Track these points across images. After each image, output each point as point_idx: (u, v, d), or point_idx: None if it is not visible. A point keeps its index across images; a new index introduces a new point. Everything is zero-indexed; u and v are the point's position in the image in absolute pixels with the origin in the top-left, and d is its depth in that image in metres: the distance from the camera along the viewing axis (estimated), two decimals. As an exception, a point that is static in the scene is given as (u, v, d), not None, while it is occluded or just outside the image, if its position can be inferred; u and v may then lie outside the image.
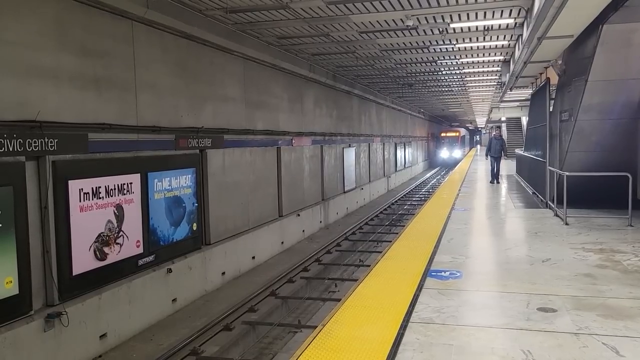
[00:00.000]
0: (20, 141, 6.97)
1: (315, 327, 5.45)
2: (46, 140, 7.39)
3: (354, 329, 5.05)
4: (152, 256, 9.86)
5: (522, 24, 12.66)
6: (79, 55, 8.24)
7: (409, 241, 9.28)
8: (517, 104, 30.02)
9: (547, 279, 6.58)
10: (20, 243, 7.02)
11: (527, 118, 23.68)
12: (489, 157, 19.59)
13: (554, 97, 13.82)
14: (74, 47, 8.15)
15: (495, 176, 19.52)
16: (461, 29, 13.25)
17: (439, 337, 4.77)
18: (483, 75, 22.65)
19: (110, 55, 8.96)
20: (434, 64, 19.14)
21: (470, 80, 24.33)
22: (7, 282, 6.82)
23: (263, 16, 11.47)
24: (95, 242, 8.40)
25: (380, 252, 8.91)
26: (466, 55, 17.59)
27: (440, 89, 28.27)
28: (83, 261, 8.14)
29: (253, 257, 14.08)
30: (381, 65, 19.13)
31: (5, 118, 6.90)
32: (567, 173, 10.48)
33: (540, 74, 16.55)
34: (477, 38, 14.52)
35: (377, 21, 12.35)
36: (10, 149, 6.82)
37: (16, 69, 7.13)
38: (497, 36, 14.38)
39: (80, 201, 8.08)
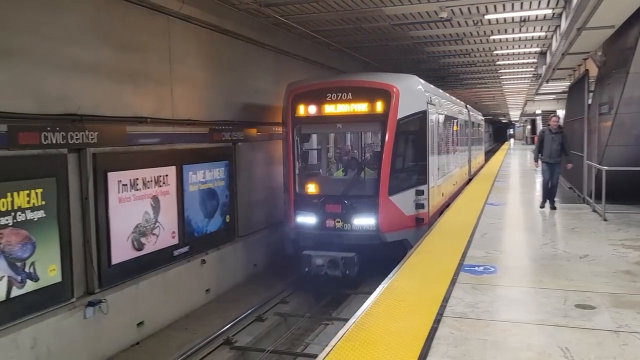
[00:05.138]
0: (62, 134, 7.19)
1: (347, 319, 5.49)
2: (87, 133, 7.60)
3: (387, 322, 5.07)
4: (187, 247, 10.05)
5: (560, 15, 12.37)
6: (117, 50, 8.43)
7: (441, 235, 9.23)
8: (553, 96, 29.31)
9: (585, 276, 6.46)
10: (63, 233, 7.26)
11: (564, 111, 23.11)
12: (539, 162, 11.60)
13: (592, 89, 13.46)
14: (113, 42, 8.33)
15: (549, 195, 11.69)
16: (496, 20, 13.04)
17: (474, 332, 4.75)
18: (518, 68, 22.22)
19: (146, 50, 9.13)
20: (467, 56, 18.86)
21: (505, 72, 23.90)
22: (50, 270, 7.08)
23: (296, 9, 11.50)
24: (133, 232, 8.61)
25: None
26: (501, 47, 17.29)
27: (473, 82, 27.83)
28: (121, 251, 8.37)
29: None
30: (413, 57, 18.94)
31: (49, 112, 7.13)
32: (606, 167, 10.22)
33: (579, 65, 16.14)
34: (513, 29, 14.26)
35: (411, 13, 12.26)
36: (54, 142, 7.04)
37: (58, 64, 7.34)
38: (534, 27, 14.08)
39: (118, 192, 8.29)
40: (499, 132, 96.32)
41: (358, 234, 10.05)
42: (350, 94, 10.22)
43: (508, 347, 4.41)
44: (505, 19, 13.02)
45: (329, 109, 10.37)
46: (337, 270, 9.90)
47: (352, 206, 10.04)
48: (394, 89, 10.13)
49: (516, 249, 8.18)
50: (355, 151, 13.52)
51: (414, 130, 10.71)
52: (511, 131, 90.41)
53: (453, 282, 6.28)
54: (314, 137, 12.89)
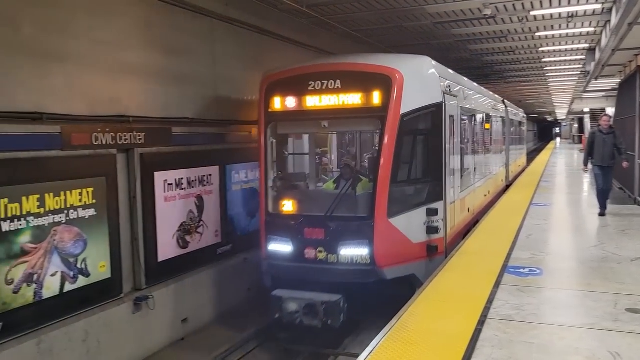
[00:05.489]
0: (112, 135, 7.45)
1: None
2: (135, 134, 7.85)
3: (430, 323, 5.04)
4: (230, 245, 10.21)
5: (610, 10, 11.96)
6: (164, 53, 8.65)
7: (484, 236, 9.07)
8: (602, 94, 28.28)
9: (637, 279, 6.24)
10: (112, 230, 7.52)
11: (614, 109, 22.30)
12: (590, 166, 10.78)
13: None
14: (159, 45, 8.57)
15: (604, 199, 10.73)
16: (543, 16, 12.73)
17: (519, 335, 4.66)
18: (565, 65, 21.60)
19: (191, 52, 9.34)
20: (512, 53, 18.48)
21: (551, 69, 23.28)
22: (101, 267, 7.34)
23: (337, 9, 11.54)
24: (178, 230, 8.83)
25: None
26: (547, 44, 16.86)
27: (517, 80, 27.21)
28: (167, 249, 8.59)
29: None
30: (455, 55, 18.67)
31: (99, 113, 7.40)
32: (659, 167, 9.81)
33: (630, 62, 15.52)
34: (560, 25, 13.89)
35: (453, 11, 12.12)
36: (104, 142, 7.31)
37: (108, 67, 7.60)
38: (582, 23, 13.67)
39: (164, 192, 8.51)
40: (544, 131, 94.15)
41: (346, 269, 7.57)
42: (339, 81, 7.84)
43: (555, 351, 4.31)
44: (552, 15, 12.69)
45: (312, 101, 8.03)
46: (316, 319, 7.48)
47: (338, 231, 7.64)
48: (397, 75, 7.70)
49: (563, 251, 7.96)
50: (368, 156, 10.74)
51: (425, 129, 8.42)
52: (557, 130, 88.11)
53: (497, 284, 6.17)
54: (306, 137, 10.43)
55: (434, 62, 8.88)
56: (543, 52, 18.21)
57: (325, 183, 9.87)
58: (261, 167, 8.55)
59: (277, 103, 8.31)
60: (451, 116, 9.18)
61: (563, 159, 31.12)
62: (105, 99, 7.56)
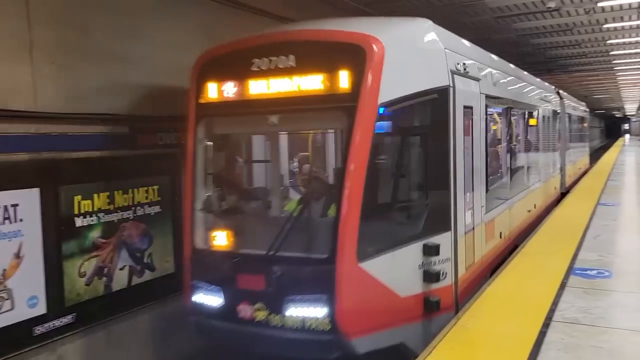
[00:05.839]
0: (175, 135, 7.72)
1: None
2: (197, 133, 8.09)
3: (491, 324, 4.94)
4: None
5: (686, -2, 11.29)
6: (224, 55, 8.88)
7: (548, 237, 8.78)
8: (677, 87, 26.78)
9: None
10: (176, 227, 7.75)
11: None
12: None
13: None
14: (220, 47, 8.79)
15: None
16: (611, 7, 12.18)
17: (587, 339, 4.48)
18: (635, 57, 20.55)
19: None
20: (577, 47, 17.76)
21: (620, 63, 22.21)
22: (165, 261, 7.64)
23: (396, 6, 11.48)
24: (237, 227, 9.01)
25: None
26: (616, 36, 16.09)
27: (583, 74, 26.11)
28: (227, 245, 8.78)
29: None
30: (518, 50, 18.13)
31: (163, 114, 7.67)
32: None
33: None
34: (630, 16, 13.24)
35: (515, 4, 11.78)
36: (168, 142, 7.59)
37: (172, 70, 7.85)
38: (655, 13, 12.96)
39: (224, 190, 8.73)
40: (611, 127, 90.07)
41: (296, 337, 5.07)
42: (292, 57, 5.33)
43: (626, 356, 4.13)
44: (621, 6, 12.11)
45: (256, 87, 5.54)
46: None
47: (284, 279, 5.12)
48: (374, 45, 5.11)
49: (634, 253, 7.58)
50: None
51: (421, 126, 5.97)
52: (626, 126, 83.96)
53: (563, 286, 5.96)
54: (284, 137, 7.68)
55: (436, 28, 6.22)
56: (611, 44, 17.40)
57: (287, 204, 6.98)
58: (187, 181, 6.08)
59: (211, 91, 5.90)
60: (467, 107, 6.57)
61: (632, 157, 29.58)
62: (169, 100, 7.82)
